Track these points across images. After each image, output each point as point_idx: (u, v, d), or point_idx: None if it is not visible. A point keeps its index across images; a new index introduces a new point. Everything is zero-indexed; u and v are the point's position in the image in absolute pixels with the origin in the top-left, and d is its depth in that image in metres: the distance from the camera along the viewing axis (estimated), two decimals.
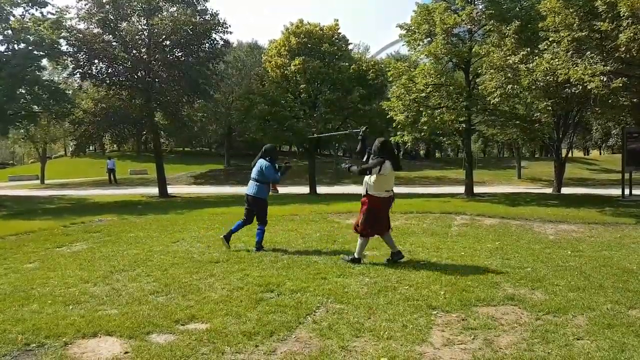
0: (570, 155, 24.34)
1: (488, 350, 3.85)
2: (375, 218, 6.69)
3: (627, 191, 16.66)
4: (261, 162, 7.74)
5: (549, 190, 21.00)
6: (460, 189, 19.10)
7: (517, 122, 17.07)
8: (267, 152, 7.87)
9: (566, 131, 18.92)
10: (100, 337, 4.15)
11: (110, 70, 19.27)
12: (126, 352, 3.82)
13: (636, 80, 11.50)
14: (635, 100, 11.86)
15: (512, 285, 5.61)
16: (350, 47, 22.15)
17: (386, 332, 4.17)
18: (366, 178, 6.72)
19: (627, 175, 16.70)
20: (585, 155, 61.82)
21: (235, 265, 6.66)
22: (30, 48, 16.96)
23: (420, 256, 7.27)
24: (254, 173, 7.82)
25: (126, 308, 4.86)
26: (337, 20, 20.51)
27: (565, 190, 19.93)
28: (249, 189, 7.87)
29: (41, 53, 17.46)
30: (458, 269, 6.38)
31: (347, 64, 19.65)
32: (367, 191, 6.72)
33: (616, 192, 18.15)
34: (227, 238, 7.85)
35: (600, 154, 60.52)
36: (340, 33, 20.58)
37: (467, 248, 7.92)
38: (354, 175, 7.15)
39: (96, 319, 4.52)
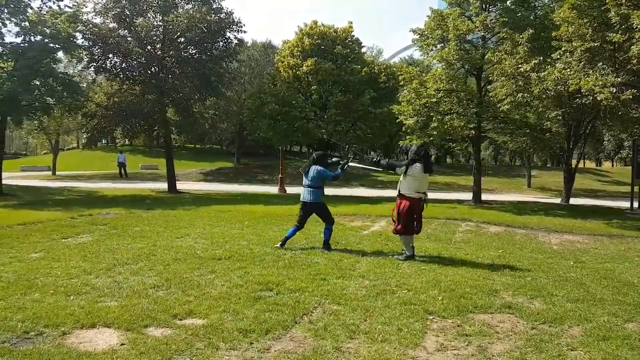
0: (581, 165, 24.13)
1: (481, 357, 3.87)
2: (407, 217, 7.20)
3: (635, 204, 16.50)
4: (314, 169, 7.87)
5: (557, 200, 20.82)
6: (469, 196, 19.01)
7: (527, 130, 16.99)
8: (318, 159, 8.02)
9: (577, 141, 18.74)
10: (98, 328, 4.23)
11: (124, 64, 19.48)
12: (122, 344, 3.89)
13: None
14: None
15: (511, 293, 5.61)
16: (363, 49, 22.15)
17: (381, 335, 4.21)
18: (400, 179, 7.35)
19: (636, 188, 16.54)
20: (597, 166, 61.16)
21: (237, 263, 6.72)
22: (46, 41, 17.17)
23: (422, 261, 7.27)
24: (308, 180, 7.93)
25: (126, 301, 4.93)
26: (351, 23, 20.59)
27: (574, 201, 19.76)
28: (304, 196, 7.98)
29: (57, 46, 17.67)
30: (458, 275, 6.38)
31: (359, 66, 19.68)
32: (399, 191, 7.36)
33: (625, 204, 17.97)
34: (282, 246, 7.93)
35: (612, 165, 59.85)
36: (353, 35, 20.65)
37: (469, 255, 7.92)
38: (382, 168, 7.47)
39: (95, 310, 4.60)
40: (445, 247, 8.65)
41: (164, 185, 21.90)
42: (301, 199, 8.09)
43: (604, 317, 4.82)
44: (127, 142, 51.89)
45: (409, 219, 7.25)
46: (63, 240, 8.48)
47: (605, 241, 9.94)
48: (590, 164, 59.65)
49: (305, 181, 7.98)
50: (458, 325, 4.54)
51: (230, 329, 4.20)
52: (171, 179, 20.88)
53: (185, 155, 42.58)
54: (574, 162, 19.83)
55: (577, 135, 18.61)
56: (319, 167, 7.88)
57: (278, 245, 7.94)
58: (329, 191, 22.43)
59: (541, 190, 30.08)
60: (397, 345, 4.04)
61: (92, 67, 19.39)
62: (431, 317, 4.74)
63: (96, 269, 6.22)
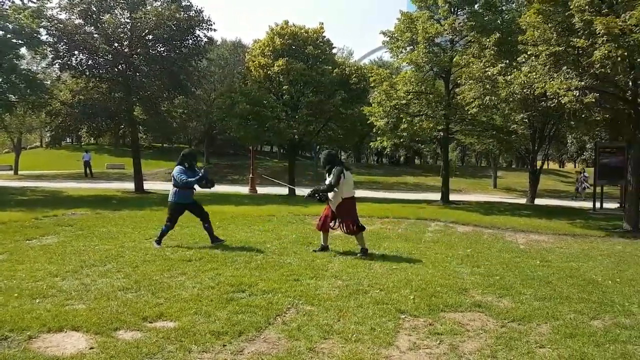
0: (545, 167, 24.80)
1: (452, 355, 3.93)
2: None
3: (598, 204, 17.13)
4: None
5: (523, 201, 21.41)
6: (437, 196, 19.33)
7: (494, 132, 17.40)
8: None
9: (541, 143, 19.33)
10: (65, 331, 4.10)
11: (90, 62, 18.95)
12: (91, 348, 3.78)
13: (609, 97, 11.83)
14: (608, 116, 12.23)
15: (480, 292, 5.72)
16: (334, 50, 22.22)
17: (354, 335, 4.22)
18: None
19: (598, 189, 17.18)
20: (560, 167, 63.23)
21: (208, 264, 6.63)
22: (9, 36, 16.58)
23: (393, 261, 7.34)
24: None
25: (94, 303, 4.80)
26: (323, 24, 20.59)
27: (539, 201, 20.35)
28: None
29: (20, 41, 17.06)
30: (429, 274, 6.48)
31: (330, 67, 19.71)
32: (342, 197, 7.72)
33: (588, 205, 18.63)
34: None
35: (574, 166, 61.88)
36: (325, 36, 20.66)
37: (439, 254, 8.04)
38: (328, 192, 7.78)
39: (63, 313, 4.46)
40: (416, 246, 8.76)
41: (130, 185, 21.44)
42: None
43: (570, 314, 4.97)
44: (92, 141, 50.51)
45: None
46: (27, 242, 8.17)
47: (569, 240, 10.27)
48: (554, 166, 61.59)
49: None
50: (430, 324, 4.61)
51: (203, 332, 4.14)
52: (138, 178, 20.46)
53: (153, 155, 41.77)
54: (538, 163, 20.43)
55: (542, 138, 19.20)
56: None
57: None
58: (300, 192, 22.42)
59: (507, 191, 30.88)
60: (371, 344, 4.06)
61: (56, 64, 18.80)
62: (403, 316, 4.80)
63: (62, 271, 6.02)
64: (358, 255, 7.55)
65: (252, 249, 7.87)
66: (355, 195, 8.11)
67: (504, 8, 17.05)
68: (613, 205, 18.55)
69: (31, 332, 4.01)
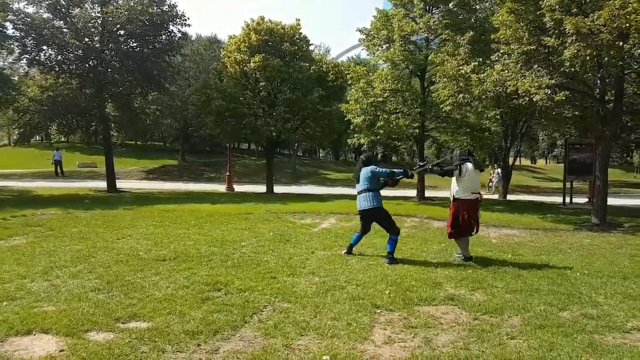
0: (518, 163, 25.31)
1: (426, 348, 3.98)
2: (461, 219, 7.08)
3: (567, 199, 17.58)
4: (364, 170, 7.25)
5: (495, 196, 21.80)
6: (414, 193, 19.52)
7: (468, 129, 17.65)
8: (367, 160, 7.42)
9: (514, 140, 19.71)
10: (34, 334, 4.00)
11: (59, 57, 18.43)
12: (61, 350, 3.70)
13: (579, 95, 12.12)
14: (577, 113, 12.54)
15: (454, 286, 5.81)
16: (311, 47, 22.19)
17: (330, 331, 4.24)
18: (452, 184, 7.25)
19: (568, 184, 17.63)
20: (532, 163, 64.62)
21: (183, 263, 6.56)
22: None
23: (370, 257, 7.39)
24: (361, 184, 7.27)
25: (64, 305, 4.69)
26: (299, 20, 20.54)
27: (511, 197, 20.77)
28: (360, 204, 7.26)
29: None
30: (404, 269, 6.54)
31: (307, 64, 19.67)
32: (453, 196, 7.19)
33: (558, 199, 19.09)
34: (349, 253, 7.45)
35: (546, 162, 63.36)
36: (301, 33, 20.61)
37: (414, 249, 8.14)
38: (435, 174, 7.53)
39: (31, 316, 4.35)
40: None
41: (103, 184, 21.02)
42: (358, 209, 7.33)
43: (540, 306, 5.08)
44: (63, 139, 49.30)
45: (463, 221, 7.09)
46: None
47: (540, 234, 10.51)
48: (526, 162, 62.95)
49: (358, 187, 7.32)
50: (404, 318, 4.66)
51: (177, 332, 4.10)
52: (110, 177, 20.05)
53: (126, 153, 41.04)
54: (510, 159, 20.83)
55: (514, 134, 19.58)
56: (370, 167, 7.24)
57: (344, 252, 7.47)
58: (278, 189, 22.39)
59: (481, 187, 31.38)
60: (347, 339, 4.09)
61: (24, 59, 18.23)
62: (379, 311, 4.84)
63: (31, 273, 5.87)
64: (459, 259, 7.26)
65: (228, 247, 7.81)
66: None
67: (477, 7, 17.27)
68: (582, 200, 19.05)
69: None
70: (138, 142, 50.05)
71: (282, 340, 4.02)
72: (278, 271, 6.28)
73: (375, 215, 7.24)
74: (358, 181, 7.33)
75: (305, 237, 9.12)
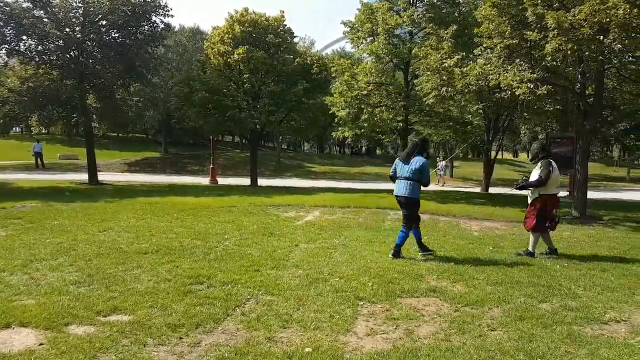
0: (500, 157, 25.58)
1: (408, 339, 4.03)
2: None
3: None
4: (418, 159, 6.82)
5: (478, 190, 22.06)
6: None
7: (450, 123, 17.77)
8: (422, 145, 6.94)
9: (496, 134, 19.92)
10: (13, 328, 3.94)
11: (40, 47, 18.03)
12: (41, 344, 3.65)
13: (560, 89, 12.29)
14: (558, 107, 12.72)
15: (436, 278, 5.88)
16: (295, 40, 22.06)
17: (313, 323, 4.26)
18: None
19: None
20: (514, 157, 65.48)
21: (165, 257, 6.51)
22: None
23: (354, 249, 7.43)
24: (407, 171, 6.85)
25: (44, 298, 4.63)
26: (283, 12, 20.37)
27: (493, 190, 21.02)
28: (400, 190, 6.96)
29: None
30: (387, 262, 6.60)
31: (291, 56, 19.55)
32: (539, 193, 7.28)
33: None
34: (396, 255, 6.96)
35: (528, 156, 64.17)
36: (286, 25, 20.45)
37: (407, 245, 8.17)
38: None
39: (10, 309, 4.28)
40: (375, 235, 8.89)
41: (84, 177, 20.72)
42: (396, 193, 7.00)
43: (520, 298, 5.17)
44: (44, 131, 48.45)
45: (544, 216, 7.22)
46: None
47: (521, 227, 10.57)
48: (508, 155, 63.73)
49: (404, 171, 6.88)
50: (387, 310, 4.70)
51: (159, 325, 4.07)
52: (92, 169, 19.76)
53: (108, 145, 40.47)
54: (493, 153, 21.05)
55: (496, 128, 19.79)
56: (424, 160, 6.82)
57: (390, 256, 6.94)
58: (262, 182, 22.32)
59: (463, 180, 31.74)
60: (329, 331, 4.11)
61: (3, 50, 17.79)
62: (361, 303, 4.87)
63: (10, 266, 5.77)
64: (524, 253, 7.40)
65: (211, 240, 7.77)
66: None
67: (460, 1, 17.37)
68: (563, 193, 19.33)
69: None
70: (120, 134, 49.39)
71: (264, 333, 4.02)
72: (261, 264, 6.27)
73: (409, 206, 7.02)
74: (407, 163, 6.86)
75: (289, 229, 9.11)
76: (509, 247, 8.11)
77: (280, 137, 39.42)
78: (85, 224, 9.09)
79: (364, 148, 52.37)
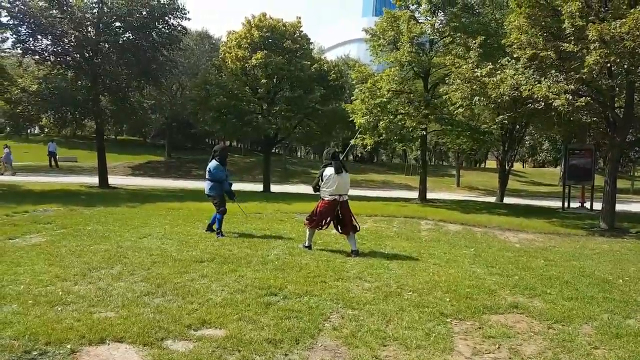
0: (493, 166, 25.41)
1: (517, 359, 3.87)
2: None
3: (566, 204, 17.83)
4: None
5: (487, 199, 22.03)
6: (406, 194, 19.59)
7: (469, 133, 17.67)
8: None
9: (512, 144, 19.92)
10: (109, 343, 3.73)
11: (55, 47, 17.75)
12: None
13: (594, 101, 12.17)
14: (595, 119, 12.67)
15: (509, 293, 5.73)
16: (311, 46, 21.97)
17: (413, 341, 4.08)
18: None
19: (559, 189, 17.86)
20: (508, 167, 65.52)
21: (224, 265, 6.31)
22: None
23: (408, 260, 7.27)
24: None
25: (124, 311, 4.42)
26: (300, 18, 20.30)
27: (507, 200, 20.97)
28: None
29: None
30: (451, 275, 6.43)
31: (308, 62, 19.45)
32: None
33: (551, 203, 19.37)
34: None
35: (522, 166, 64.47)
36: (302, 31, 20.37)
37: (446, 254, 8.05)
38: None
39: (96, 322, 4.07)
40: (420, 245, 8.75)
41: (86, 179, 20.40)
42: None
43: (603, 314, 5.03)
44: (38, 132, 47.88)
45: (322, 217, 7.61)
46: (10, 241, 7.53)
47: (558, 239, 10.57)
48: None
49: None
50: (479, 328, 4.54)
51: (257, 340, 3.88)
52: (103, 173, 19.48)
53: (107, 148, 39.88)
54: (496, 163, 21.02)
55: (512, 138, 19.80)
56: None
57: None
58: (273, 188, 22.07)
59: (469, 189, 31.69)
60: (433, 350, 3.94)
61: (18, 48, 17.48)
62: (449, 320, 4.70)
63: (70, 275, 5.54)
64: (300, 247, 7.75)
65: (260, 249, 7.57)
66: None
67: (481, 11, 17.37)
68: (575, 204, 19.30)
69: (71, 345, 3.62)
70: (118, 137, 48.82)
71: (367, 351, 3.85)
72: (324, 275, 6.09)
73: None
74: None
75: (331, 239, 8.90)
76: (560, 260, 8.00)
77: (287, 144, 39.25)
78: (120, 230, 8.86)
79: (365, 155, 52.09)
